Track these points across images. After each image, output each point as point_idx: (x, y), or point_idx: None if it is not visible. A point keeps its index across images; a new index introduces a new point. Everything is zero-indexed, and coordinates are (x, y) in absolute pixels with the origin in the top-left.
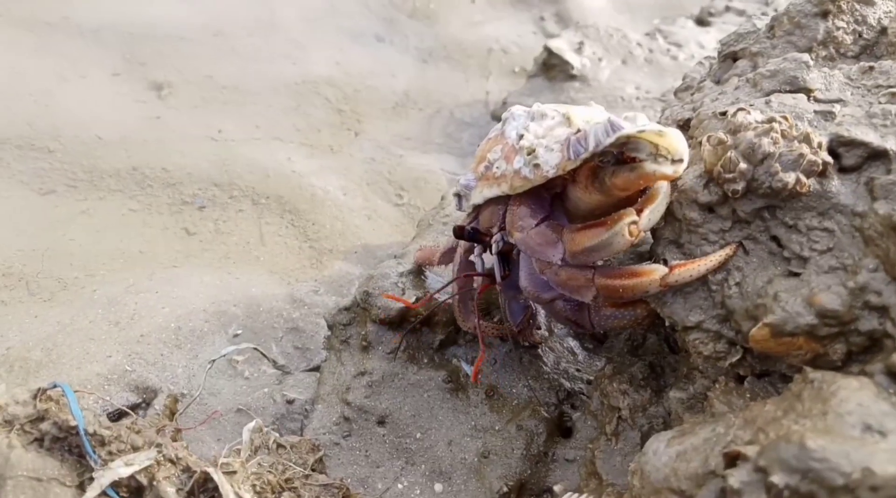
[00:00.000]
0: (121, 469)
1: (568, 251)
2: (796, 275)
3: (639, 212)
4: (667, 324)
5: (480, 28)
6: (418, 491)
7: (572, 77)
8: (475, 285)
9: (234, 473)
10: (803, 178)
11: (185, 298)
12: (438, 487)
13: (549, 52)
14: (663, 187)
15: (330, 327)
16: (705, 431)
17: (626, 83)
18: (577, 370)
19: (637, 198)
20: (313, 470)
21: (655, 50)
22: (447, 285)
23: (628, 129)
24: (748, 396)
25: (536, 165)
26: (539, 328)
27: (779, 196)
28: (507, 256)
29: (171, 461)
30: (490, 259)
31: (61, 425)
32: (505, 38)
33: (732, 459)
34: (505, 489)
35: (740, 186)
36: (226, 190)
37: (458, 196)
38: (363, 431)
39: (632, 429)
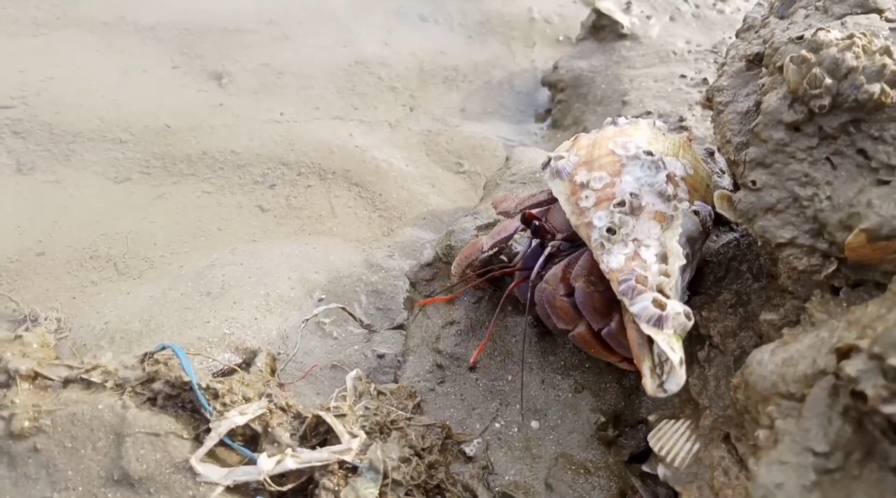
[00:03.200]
0: (236, 418)
1: (612, 330)
2: (886, 183)
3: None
4: (758, 243)
5: (521, 1)
6: (516, 429)
7: (622, 36)
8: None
9: (344, 415)
10: (888, 89)
11: (268, 269)
12: (535, 423)
13: (597, 13)
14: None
15: (413, 284)
16: (809, 337)
17: (676, 38)
18: None
19: None
20: (413, 414)
21: (702, 5)
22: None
23: (662, 335)
24: (845, 305)
25: (601, 246)
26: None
27: (864, 109)
28: (552, 258)
29: (283, 409)
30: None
31: (174, 383)
32: (546, 9)
33: (844, 354)
34: (602, 420)
35: (827, 101)
36: (293, 168)
37: (548, 165)
38: (456, 377)
39: (723, 355)
